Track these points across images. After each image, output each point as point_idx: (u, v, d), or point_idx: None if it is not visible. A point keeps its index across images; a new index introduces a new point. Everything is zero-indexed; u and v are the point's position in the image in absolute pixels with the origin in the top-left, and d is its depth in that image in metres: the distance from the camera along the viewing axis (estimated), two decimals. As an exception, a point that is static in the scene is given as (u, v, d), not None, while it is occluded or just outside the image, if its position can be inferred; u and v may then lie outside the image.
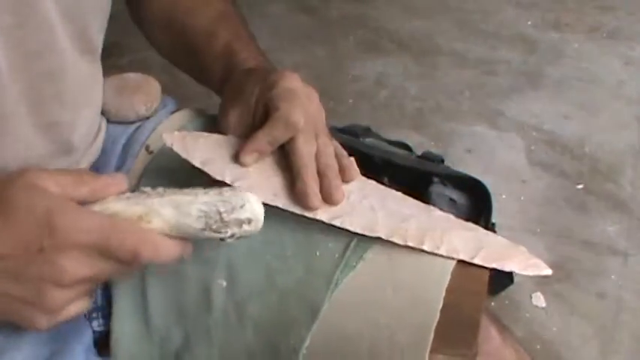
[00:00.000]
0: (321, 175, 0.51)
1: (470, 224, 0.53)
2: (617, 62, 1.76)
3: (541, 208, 1.34)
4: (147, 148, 0.61)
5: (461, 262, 0.50)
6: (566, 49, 1.82)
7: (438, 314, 0.48)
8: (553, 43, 1.84)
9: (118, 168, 0.61)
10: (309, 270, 0.51)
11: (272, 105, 0.52)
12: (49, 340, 0.49)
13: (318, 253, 0.51)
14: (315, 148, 0.52)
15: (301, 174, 0.50)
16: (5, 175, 0.42)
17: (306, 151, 0.51)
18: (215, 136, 0.55)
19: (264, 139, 0.51)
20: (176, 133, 0.55)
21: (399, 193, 0.55)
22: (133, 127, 0.63)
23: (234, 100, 0.56)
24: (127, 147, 0.62)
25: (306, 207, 0.50)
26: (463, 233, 0.52)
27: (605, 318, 1.14)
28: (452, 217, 0.54)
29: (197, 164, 0.52)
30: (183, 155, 0.53)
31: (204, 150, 0.53)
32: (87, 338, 0.52)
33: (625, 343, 1.11)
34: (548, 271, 0.51)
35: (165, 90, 0.68)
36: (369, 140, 1.22)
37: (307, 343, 0.50)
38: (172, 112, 0.64)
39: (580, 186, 1.39)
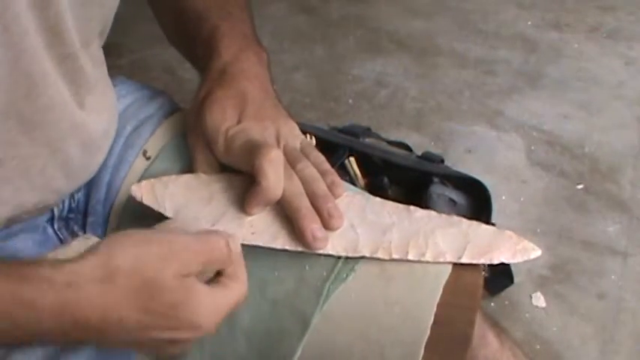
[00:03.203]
0: (312, 204, 0.50)
1: (453, 218, 0.52)
2: (617, 62, 1.76)
3: (541, 208, 1.34)
4: (144, 153, 0.60)
5: (453, 275, 0.50)
6: (566, 49, 1.82)
7: (429, 331, 0.48)
8: (553, 43, 1.84)
9: (114, 172, 0.60)
10: (300, 281, 0.51)
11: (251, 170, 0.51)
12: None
13: (307, 267, 0.51)
14: (297, 181, 0.51)
15: (298, 219, 0.49)
16: (147, 246, 0.43)
17: (289, 192, 0.50)
18: (184, 178, 0.55)
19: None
20: (143, 183, 0.54)
21: (377, 199, 0.54)
22: (130, 128, 0.62)
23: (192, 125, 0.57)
24: (123, 149, 0.61)
25: (315, 249, 0.50)
26: (447, 231, 0.51)
27: (605, 318, 1.14)
28: (433, 213, 0.53)
29: (170, 215, 0.52)
30: (155, 208, 0.52)
31: (175, 196, 0.53)
32: None
33: (625, 343, 1.10)
34: (538, 253, 0.50)
35: (166, 90, 0.68)
36: (369, 140, 1.22)
37: (298, 354, 0.50)
38: (170, 114, 0.64)
39: (580, 186, 1.39)
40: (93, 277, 0.41)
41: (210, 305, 0.44)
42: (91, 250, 0.42)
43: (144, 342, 0.44)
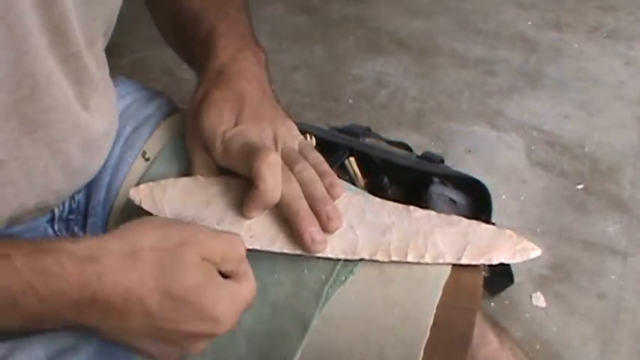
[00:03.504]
0: (310, 207, 0.50)
1: (453, 217, 0.52)
2: (617, 62, 1.76)
3: (541, 208, 1.34)
4: (143, 154, 0.60)
5: (453, 276, 0.50)
6: (566, 49, 1.82)
7: (428, 332, 0.48)
8: (553, 43, 1.84)
9: (113, 173, 0.60)
10: (299, 284, 0.51)
11: (250, 174, 0.51)
12: (57, 339, 0.49)
13: (306, 270, 0.51)
14: (295, 183, 0.51)
15: (296, 222, 0.50)
16: (172, 227, 0.44)
17: (288, 195, 0.50)
18: (182, 181, 0.54)
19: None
20: (141, 186, 0.54)
21: (377, 199, 0.54)
22: (130, 128, 0.62)
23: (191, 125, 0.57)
24: (122, 150, 0.61)
25: (314, 252, 0.50)
26: (446, 231, 0.51)
27: (605, 318, 1.14)
28: (433, 213, 0.52)
29: None
30: (154, 212, 0.52)
31: (173, 200, 0.53)
32: (93, 340, 0.52)
33: (625, 343, 1.10)
34: (538, 253, 0.50)
35: (165, 90, 0.68)
36: (369, 140, 1.22)
37: (298, 356, 0.50)
38: (169, 114, 0.64)
39: (580, 186, 1.39)
40: (115, 253, 0.41)
41: (229, 298, 0.44)
42: (113, 230, 0.42)
43: (162, 335, 0.43)
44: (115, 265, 0.41)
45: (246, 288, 0.46)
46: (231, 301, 0.44)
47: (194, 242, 0.43)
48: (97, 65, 0.54)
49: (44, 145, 0.49)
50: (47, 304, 0.40)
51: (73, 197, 0.60)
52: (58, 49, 0.47)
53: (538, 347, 1.10)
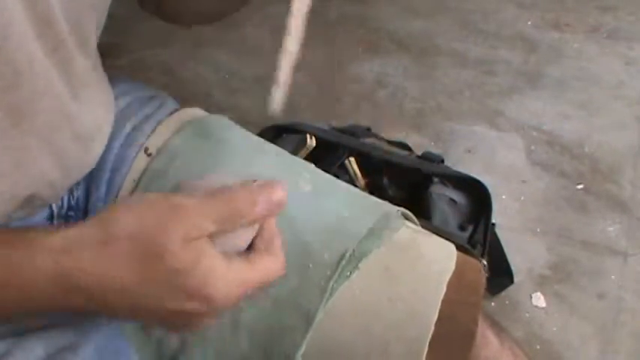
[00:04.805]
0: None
1: None
2: (617, 62, 1.76)
3: (541, 208, 1.34)
4: (145, 150, 0.60)
5: (456, 272, 0.50)
6: (566, 49, 1.82)
7: (433, 327, 0.48)
8: (553, 43, 1.84)
9: (114, 170, 0.60)
10: (304, 279, 0.51)
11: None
12: (57, 337, 0.48)
13: (311, 266, 0.51)
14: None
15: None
16: (150, 209, 0.40)
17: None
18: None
19: None
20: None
21: None
22: (130, 127, 0.62)
23: None
24: (123, 148, 0.60)
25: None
26: None
27: (605, 318, 1.14)
28: None
29: None
30: None
31: None
32: (93, 338, 0.51)
33: (625, 343, 1.10)
34: None
35: (165, 90, 0.68)
36: (369, 140, 1.22)
37: (302, 351, 0.50)
38: (169, 114, 0.64)
39: (580, 186, 1.39)
40: (90, 243, 0.39)
41: (225, 276, 0.40)
42: (89, 218, 0.40)
43: (152, 311, 0.41)
44: (90, 257, 0.39)
45: (259, 267, 0.42)
46: (228, 281, 0.40)
47: (178, 221, 0.39)
48: (85, 58, 0.54)
49: (33, 136, 0.49)
50: (25, 294, 0.40)
51: (71, 193, 0.60)
52: (44, 38, 0.46)
53: (538, 347, 1.10)
